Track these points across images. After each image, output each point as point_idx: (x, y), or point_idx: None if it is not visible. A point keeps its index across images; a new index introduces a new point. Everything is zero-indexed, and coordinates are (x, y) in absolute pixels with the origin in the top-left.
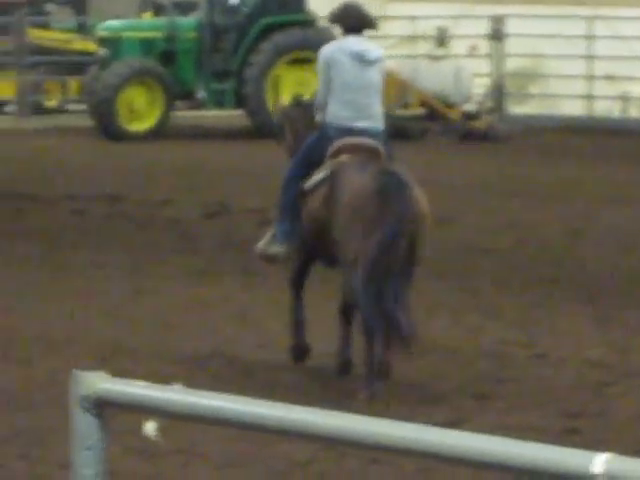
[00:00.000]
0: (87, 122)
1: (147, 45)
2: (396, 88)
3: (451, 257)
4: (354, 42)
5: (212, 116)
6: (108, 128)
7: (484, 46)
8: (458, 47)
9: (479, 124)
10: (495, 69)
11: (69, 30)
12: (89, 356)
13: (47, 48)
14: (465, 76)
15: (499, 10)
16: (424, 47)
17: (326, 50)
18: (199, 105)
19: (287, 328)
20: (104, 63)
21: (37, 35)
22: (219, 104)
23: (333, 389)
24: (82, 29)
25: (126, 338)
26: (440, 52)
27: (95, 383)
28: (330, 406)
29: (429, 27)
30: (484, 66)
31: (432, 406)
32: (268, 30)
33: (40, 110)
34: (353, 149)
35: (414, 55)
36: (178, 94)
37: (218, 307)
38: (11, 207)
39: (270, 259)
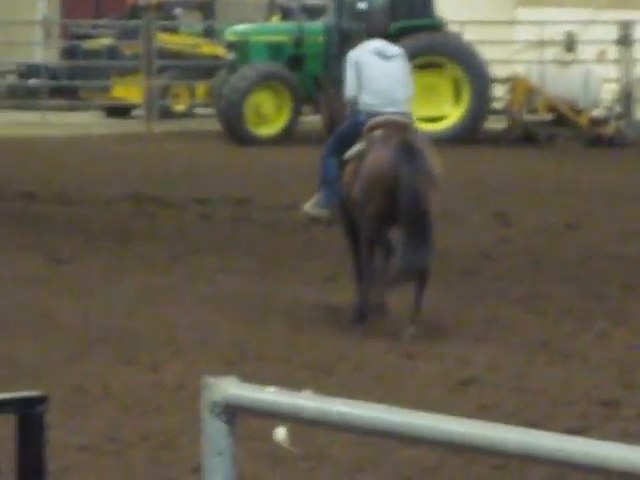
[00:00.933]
0: (215, 126)
1: (275, 49)
2: (524, 93)
3: (579, 263)
4: (375, 44)
5: None
6: (236, 132)
7: (612, 51)
8: (586, 52)
9: (607, 130)
10: (623, 75)
11: (197, 34)
12: (216, 360)
13: (175, 52)
14: (593, 81)
15: (628, 15)
16: (552, 52)
17: (353, 53)
18: None
19: (418, 333)
20: (232, 67)
21: (165, 39)
22: None
23: (462, 399)
24: (210, 33)
25: (253, 343)
26: (568, 57)
27: (225, 389)
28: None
29: (558, 32)
30: (612, 72)
31: (559, 412)
32: (396, 35)
33: (168, 114)
34: (384, 125)
35: (542, 60)
36: (305, 98)
37: (345, 312)
38: (139, 210)
39: (315, 220)
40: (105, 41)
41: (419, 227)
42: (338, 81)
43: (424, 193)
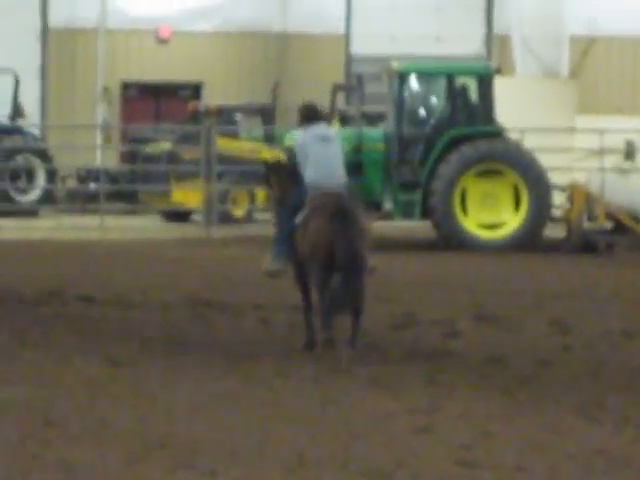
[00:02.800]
0: (273, 231)
1: None
2: (583, 201)
3: (638, 371)
4: (316, 128)
5: (399, 227)
6: None
7: None
8: None
9: None
10: None
11: (257, 139)
12: (274, 467)
13: (235, 157)
14: None
15: None
16: (612, 160)
17: (299, 136)
18: (386, 216)
19: (475, 441)
20: None
21: (225, 144)
22: (406, 215)
23: None
24: (270, 138)
25: (312, 449)
26: (628, 165)
27: None
28: None
29: (617, 140)
30: None
31: None
32: (456, 142)
33: (227, 219)
34: (323, 196)
35: (602, 168)
36: (365, 205)
37: (404, 419)
38: (197, 315)
39: (273, 274)
40: (165, 146)
41: (352, 275)
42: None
43: (357, 249)
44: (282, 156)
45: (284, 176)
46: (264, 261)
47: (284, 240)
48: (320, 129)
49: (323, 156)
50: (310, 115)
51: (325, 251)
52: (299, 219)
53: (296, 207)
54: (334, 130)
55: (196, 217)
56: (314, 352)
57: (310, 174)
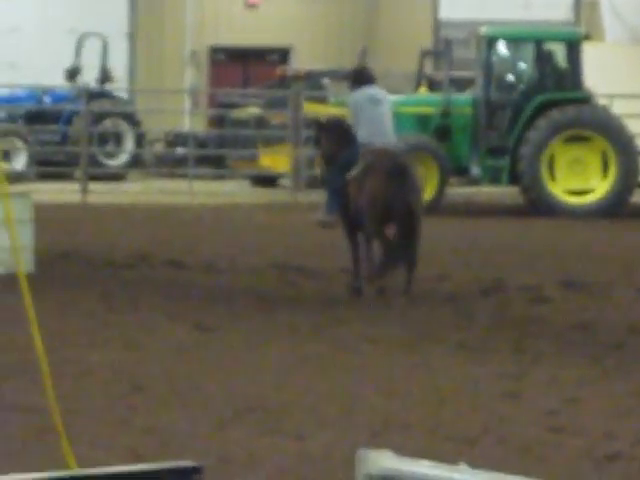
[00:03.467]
0: None
1: (422, 121)
2: None
3: None
4: (367, 89)
5: (486, 192)
6: None
7: None
8: None
9: None
10: None
11: (344, 104)
12: (362, 431)
13: None
14: None
15: None
16: None
17: (352, 98)
18: (474, 181)
19: (563, 406)
20: None
21: (313, 109)
22: (494, 181)
23: (607, 474)
24: None
25: (398, 413)
26: None
27: (380, 461)
28: None
29: None
30: None
31: None
32: (544, 107)
33: (315, 184)
34: (377, 152)
35: None
36: (453, 170)
37: (491, 384)
38: (285, 280)
39: (326, 225)
40: (253, 110)
41: (408, 228)
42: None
43: (413, 204)
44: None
45: (336, 135)
46: (317, 213)
47: (336, 194)
48: (371, 90)
49: (375, 116)
50: (361, 77)
51: (383, 204)
52: (354, 174)
53: (347, 164)
54: (384, 92)
55: (284, 182)
56: (361, 299)
57: (362, 133)
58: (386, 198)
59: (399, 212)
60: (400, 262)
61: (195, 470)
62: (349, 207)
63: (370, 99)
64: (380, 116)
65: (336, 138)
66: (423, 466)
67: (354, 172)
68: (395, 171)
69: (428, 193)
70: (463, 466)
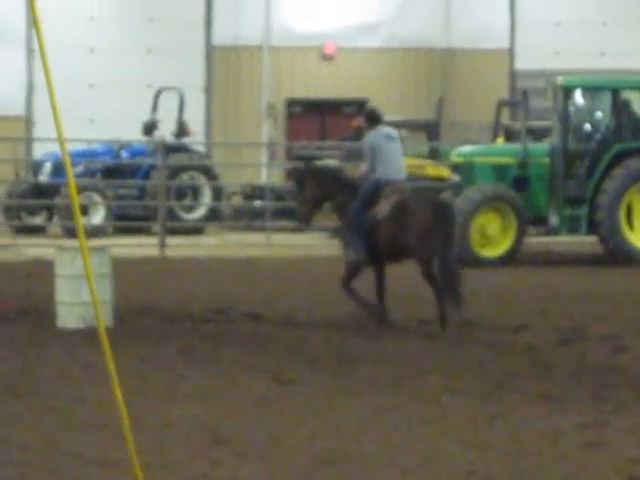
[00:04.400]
0: None
1: (500, 171)
2: None
3: None
4: (382, 128)
5: (565, 242)
6: (461, 254)
7: None
8: None
9: None
10: None
11: (422, 155)
12: None
13: None
14: None
15: None
16: None
17: (371, 137)
18: (552, 231)
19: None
20: (457, 189)
21: None
22: (572, 230)
23: None
24: (435, 155)
25: (480, 464)
26: None
27: None
28: None
29: None
30: None
31: None
32: (621, 156)
33: None
34: (399, 189)
35: None
36: (530, 220)
37: (572, 434)
38: (364, 331)
39: (359, 263)
40: (330, 162)
41: (456, 263)
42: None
43: (455, 239)
44: (444, 172)
45: (324, 179)
46: (345, 254)
47: (362, 232)
48: (386, 129)
49: (391, 153)
50: (377, 117)
51: (431, 239)
52: (385, 212)
53: (369, 198)
54: (396, 130)
55: None
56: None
57: (381, 170)
58: (434, 233)
59: (449, 247)
60: (450, 294)
61: None
62: (378, 245)
63: (387, 137)
64: (396, 152)
65: (323, 182)
66: None
67: (384, 210)
68: (440, 208)
69: (506, 243)
70: None
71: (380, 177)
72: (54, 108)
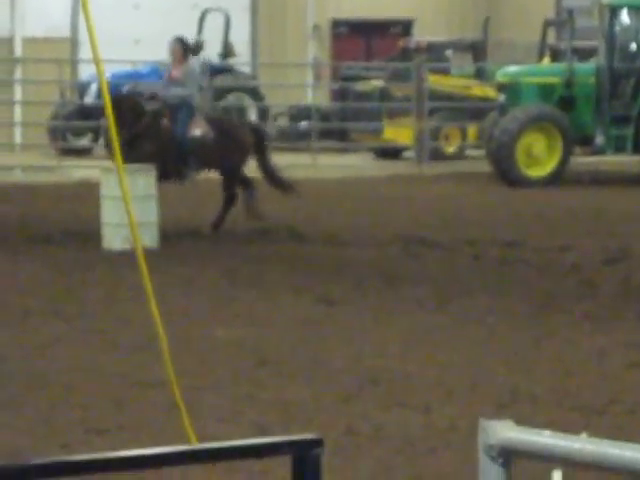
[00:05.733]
0: (485, 168)
1: (546, 91)
2: None
3: None
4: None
5: (611, 161)
6: (507, 174)
7: None
8: None
9: None
10: None
11: (468, 76)
12: (488, 403)
13: (446, 94)
14: None
15: None
16: None
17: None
18: (598, 151)
19: None
20: (503, 109)
21: (436, 81)
22: (618, 149)
23: None
24: (481, 74)
25: (525, 385)
26: None
27: (501, 432)
28: None
29: None
30: None
31: None
32: None
33: (439, 156)
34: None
35: None
36: (576, 140)
37: (617, 354)
38: (409, 252)
39: None
40: (376, 83)
41: None
42: None
43: None
44: (490, 92)
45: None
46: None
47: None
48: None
49: None
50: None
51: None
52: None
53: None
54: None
55: (408, 154)
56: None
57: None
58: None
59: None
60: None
61: (316, 443)
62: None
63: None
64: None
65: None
66: (544, 436)
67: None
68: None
69: (552, 163)
70: (584, 436)
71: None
72: (89, 29)
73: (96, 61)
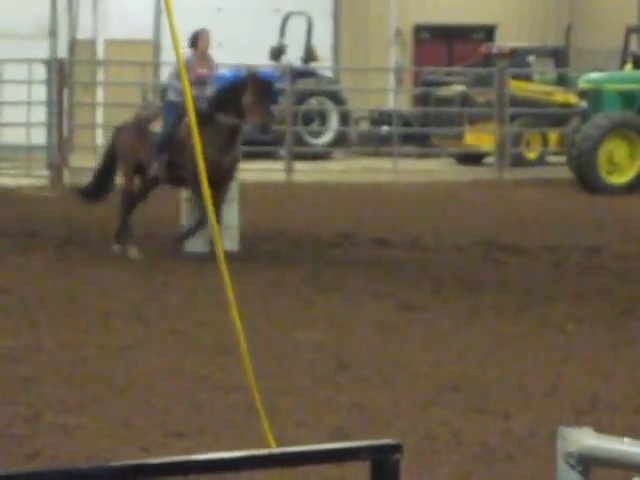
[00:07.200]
0: (567, 174)
1: (628, 97)
2: None
3: None
4: None
5: None
6: (588, 180)
7: None
8: None
9: None
10: None
11: (550, 82)
12: (567, 410)
13: (528, 100)
14: None
15: None
16: None
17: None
18: None
19: None
20: (585, 115)
21: (518, 86)
22: None
23: None
24: (563, 81)
25: (604, 392)
26: None
27: (581, 439)
28: None
29: None
30: None
31: None
32: None
33: (520, 161)
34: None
35: None
36: None
37: None
38: (490, 258)
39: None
40: (458, 88)
41: None
42: None
43: None
44: (572, 98)
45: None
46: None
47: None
48: None
49: None
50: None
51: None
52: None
53: None
54: None
55: (489, 159)
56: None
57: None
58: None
59: None
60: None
61: (395, 448)
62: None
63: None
64: None
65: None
66: (623, 444)
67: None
68: None
69: (633, 170)
70: None
71: None
72: (173, 32)
73: (180, 67)
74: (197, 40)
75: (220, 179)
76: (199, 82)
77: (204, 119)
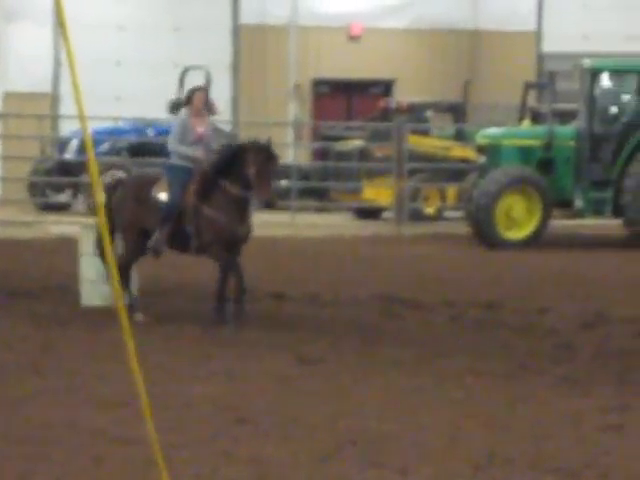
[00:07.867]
0: (464, 229)
1: (526, 153)
2: None
3: None
4: None
5: (590, 225)
6: (486, 236)
7: None
8: None
9: None
10: None
11: (448, 137)
12: (464, 464)
13: (426, 154)
14: None
15: None
16: None
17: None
18: (577, 214)
19: None
20: (483, 170)
21: (417, 141)
22: (597, 213)
23: None
24: (461, 136)
25: (501, 447)
26: None
27: None
28: None
29: None
30: None
31: None
32: None
33: (418, 217)
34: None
35: None
36: (556, 202)
37: (594, 417)
38: (388, 312)
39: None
40: (356, 143)
41: None
42: None
43: None
44: (470, 153)
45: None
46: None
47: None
48: None
49: None
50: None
51: None
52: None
53: None
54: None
55: (387, 214)
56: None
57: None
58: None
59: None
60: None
61: None
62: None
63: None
64: None
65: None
66: None
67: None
68: None
69: (531, 225)
70: None
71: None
72: (75, 85)
73: (81, 117)
74: (193, 98)
75: (235, 247)
76: (199, 141)
77: (211, 185)
